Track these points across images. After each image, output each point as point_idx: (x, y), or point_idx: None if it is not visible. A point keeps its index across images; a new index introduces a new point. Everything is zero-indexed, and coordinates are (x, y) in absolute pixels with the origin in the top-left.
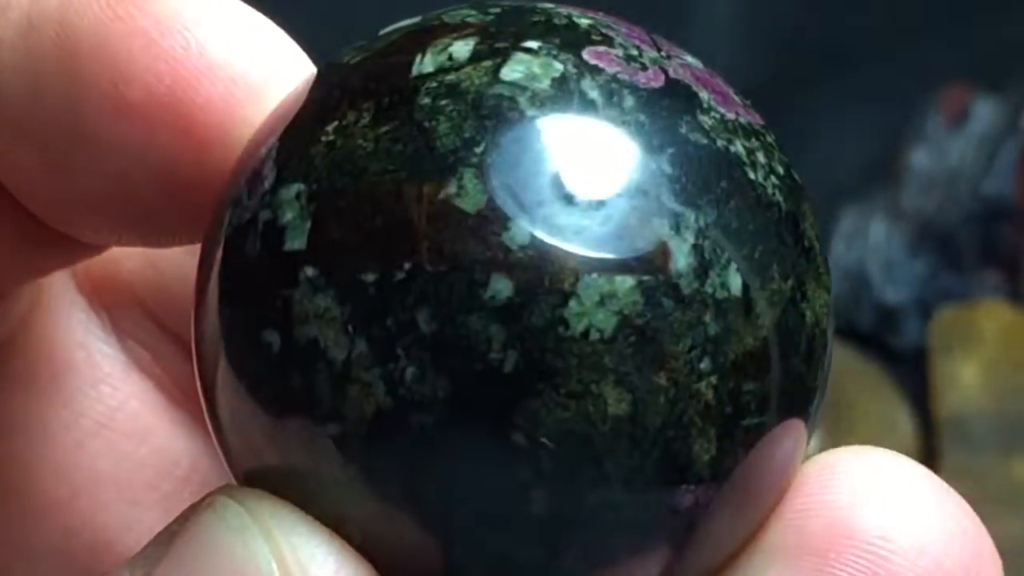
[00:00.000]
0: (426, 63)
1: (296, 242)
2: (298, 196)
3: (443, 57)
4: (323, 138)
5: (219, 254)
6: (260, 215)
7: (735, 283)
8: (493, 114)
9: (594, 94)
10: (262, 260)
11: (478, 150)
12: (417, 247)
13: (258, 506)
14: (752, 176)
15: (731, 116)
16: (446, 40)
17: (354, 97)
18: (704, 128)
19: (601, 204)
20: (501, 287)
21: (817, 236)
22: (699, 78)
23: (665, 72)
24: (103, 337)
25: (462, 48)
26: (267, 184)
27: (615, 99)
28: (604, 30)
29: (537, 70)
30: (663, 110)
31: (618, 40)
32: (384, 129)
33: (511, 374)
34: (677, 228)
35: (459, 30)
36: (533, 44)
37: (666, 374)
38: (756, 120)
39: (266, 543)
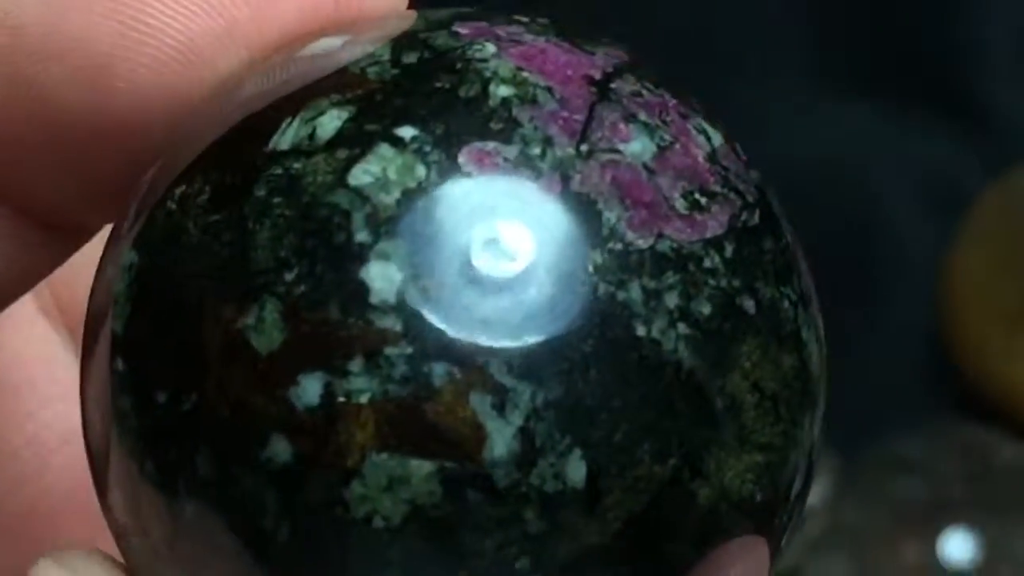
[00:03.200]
0: (287, 135)
1: (118, 323)
2: (130, 267)
3: (305, 132)
4: (168, 203)
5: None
6: (107, 270)
7: (576, 473)
8: (318, 233)
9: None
10: (104, 326)
11: (288, 277)
12: (205, 380)
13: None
14: (641, 331)
15: (643, 244)
16: (324, 103)
17: (210, 159)
18: (586, 270)
19: (413, 370)
20: (280, 450)
21: (758, 383)
22: (622, 184)
23: (565, 182)
24: (62, 355)
25: (330, 122)
26: (124, 230)
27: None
28: (517, 110)
29: (393, 175)
30: None
31: (526, 128)
32: (214, 218)
33: (284, 546)
34: (501, 407)
35: (347, 89)
36: (407, 132)
37: (466, 573)
38: (704, 232)
39: None
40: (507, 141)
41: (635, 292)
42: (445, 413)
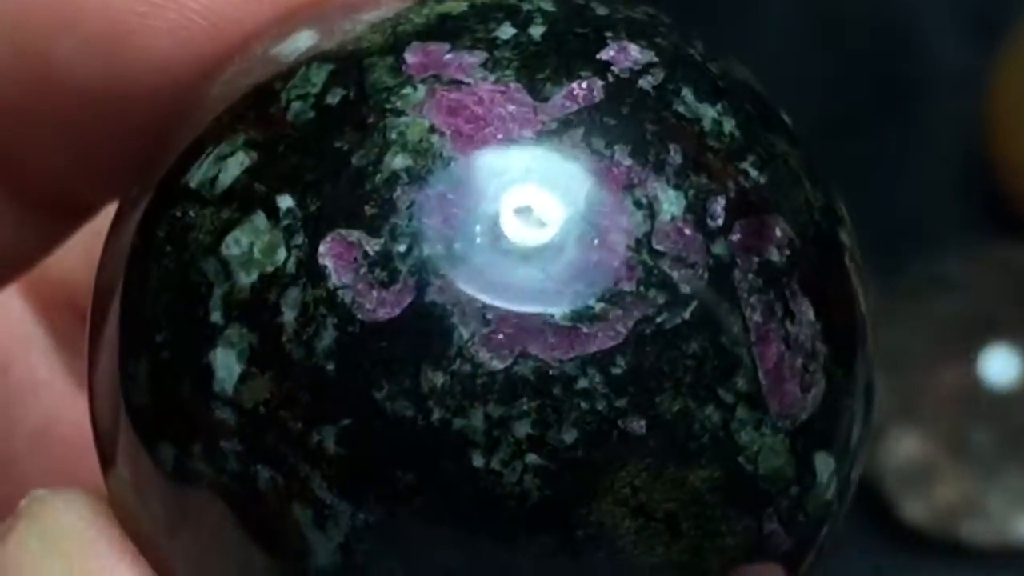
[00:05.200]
0: (202, 170)
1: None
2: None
3: (212, 173)
4: (125, 204)
5: None
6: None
7: None
8: (187, 300)
9: (288, 317)
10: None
11: (159, 339)
12: (117, 408)
13: (66, 508)
14: (478, 462)
15: (497, 365)
16: (239, 139)
17: (156, 169)
18: (420, 393)
19: (242, 469)
20: (154, 500)
21: (643, 506)
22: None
23: (420, 291)
24: (40, 339)
25: (233, 168)
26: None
27: (306, 336)
28: (400, 191)
29: (257, 253)
30: (367, 362)
31: (400, 217)
32: (135, 242)
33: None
34: (322, 522)
35: (263, 127)
36: (285, 203)
37: None
38: (586, 347)
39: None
40: (374, 232)
41: (476, 420)
42: (271, 516)
